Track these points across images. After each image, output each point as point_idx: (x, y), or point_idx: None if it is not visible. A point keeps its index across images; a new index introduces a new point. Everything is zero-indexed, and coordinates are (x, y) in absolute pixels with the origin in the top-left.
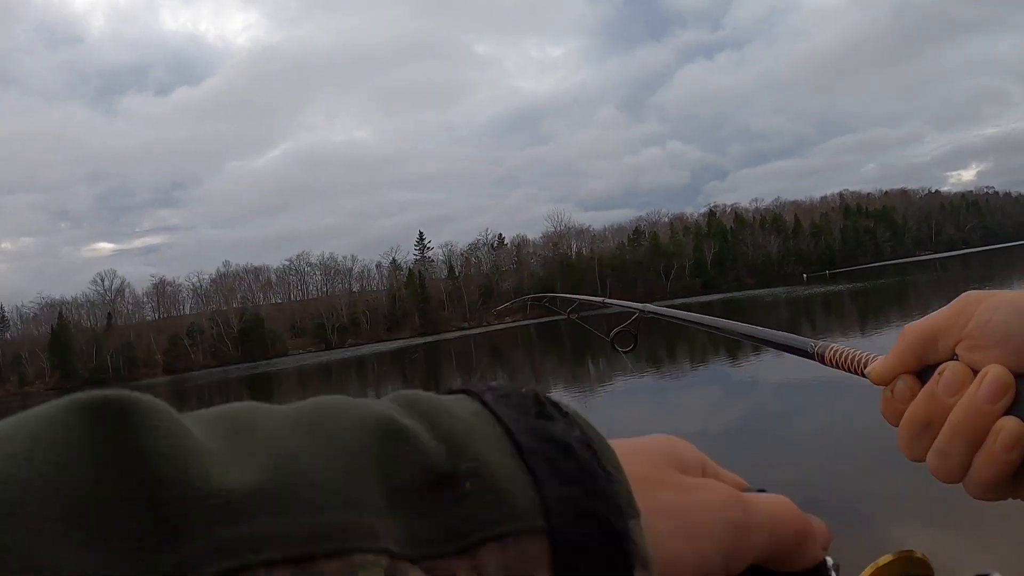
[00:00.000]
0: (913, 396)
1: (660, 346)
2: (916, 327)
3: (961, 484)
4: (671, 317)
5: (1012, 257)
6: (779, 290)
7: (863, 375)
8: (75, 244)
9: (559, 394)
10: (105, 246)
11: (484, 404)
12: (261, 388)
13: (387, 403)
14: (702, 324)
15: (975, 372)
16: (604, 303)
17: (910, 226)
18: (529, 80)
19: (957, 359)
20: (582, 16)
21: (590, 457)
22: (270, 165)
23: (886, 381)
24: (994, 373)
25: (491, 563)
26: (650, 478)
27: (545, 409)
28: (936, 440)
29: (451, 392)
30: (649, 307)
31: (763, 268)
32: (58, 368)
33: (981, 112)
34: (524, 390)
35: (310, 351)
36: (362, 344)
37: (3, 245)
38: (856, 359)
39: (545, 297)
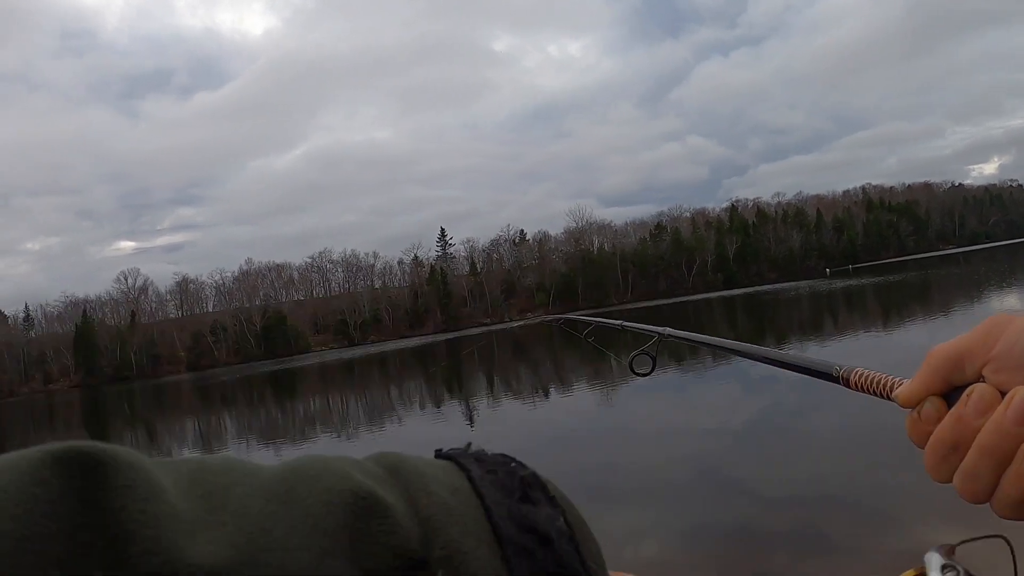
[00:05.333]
0: (940, 418)
1: (679, 345)
2: (943, 349)
3: (988, 504)
4: (692, 340)
5: None
6: (802, 284)
7: (890, 399)
8: (98, 243)
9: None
10: (128, 244)
11: (469, 479)
12: (284, 385)
13: (370, 467)
14: (723, 347)
15: (1003, 394)
16: (622, 327)
17: (933, 220)
18: (548, 77)
19: (984, 381)
20: (600, 13)
21: (571, 551)
22: (291, 164)
23: (914, 403)
24: (1022, 395)
25: None
26: None
27: (531, 492)
28: (963, 461)
29: (438, 455)
30: (668, 330)
31: (785, 263)
32: (82, 366)
33: (1001, 105)
34: (512, 466)
35: (332, 348)
36: (384, 340)
37: (29, 245)
38: (882, 383)
39: (562, 318)
